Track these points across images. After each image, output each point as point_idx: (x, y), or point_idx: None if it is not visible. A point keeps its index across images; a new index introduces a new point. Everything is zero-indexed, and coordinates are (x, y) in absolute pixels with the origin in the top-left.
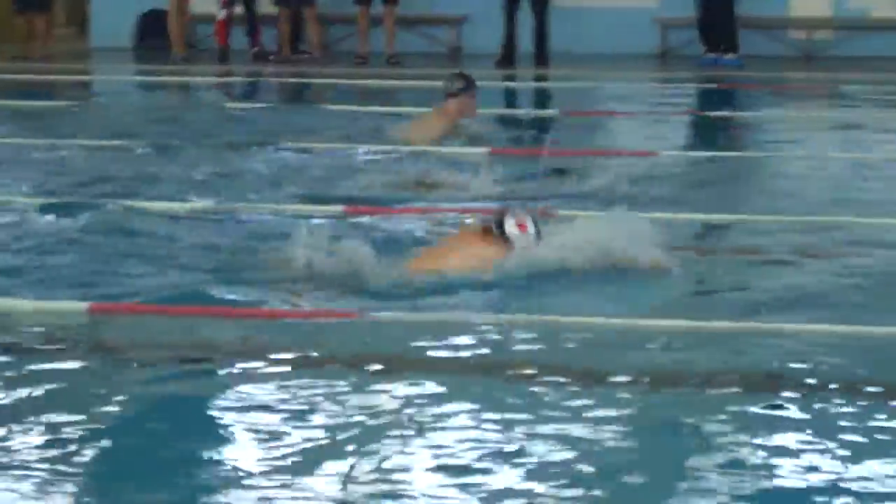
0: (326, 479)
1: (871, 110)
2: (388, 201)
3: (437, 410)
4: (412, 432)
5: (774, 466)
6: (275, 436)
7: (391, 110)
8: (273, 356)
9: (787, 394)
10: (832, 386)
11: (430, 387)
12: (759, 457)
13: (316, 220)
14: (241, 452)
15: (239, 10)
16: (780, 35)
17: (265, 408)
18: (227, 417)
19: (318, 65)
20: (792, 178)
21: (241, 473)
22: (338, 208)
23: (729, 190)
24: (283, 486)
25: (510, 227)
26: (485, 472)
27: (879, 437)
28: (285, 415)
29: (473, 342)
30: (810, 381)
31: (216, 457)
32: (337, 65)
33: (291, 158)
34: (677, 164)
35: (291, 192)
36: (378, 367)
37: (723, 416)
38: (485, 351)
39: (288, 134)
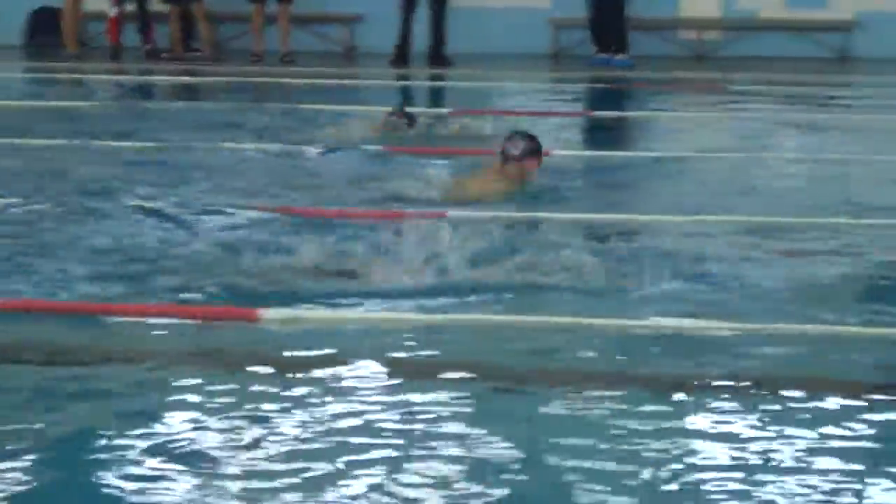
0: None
1: (761, 109)
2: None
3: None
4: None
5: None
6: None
7: (286, 107)
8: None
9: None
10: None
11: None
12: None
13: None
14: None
15: (131, 7)
16: (671, 35)
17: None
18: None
19: (211, 63)
20: (683, 176)
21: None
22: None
23: (620, 189)
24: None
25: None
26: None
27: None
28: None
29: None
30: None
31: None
32: (231, 63)
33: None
34: (569, 163)
35: (195, 189)
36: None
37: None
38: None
39: (180, 132)
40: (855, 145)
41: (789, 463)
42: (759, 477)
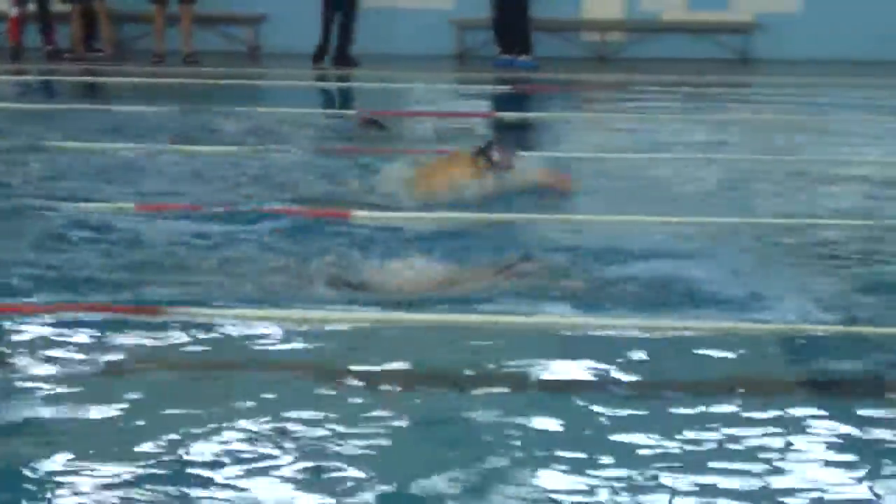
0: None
1: (664, 110)
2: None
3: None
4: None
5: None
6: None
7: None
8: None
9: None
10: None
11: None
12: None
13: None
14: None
15: (32, 7)
16: (574, 37)
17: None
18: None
19: (112, 63)
20: (586, 177)
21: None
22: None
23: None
24: None
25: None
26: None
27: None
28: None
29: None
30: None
31: None
32: (133, 63)
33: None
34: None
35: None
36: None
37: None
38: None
39: (81, 133)
40: (756, 144)
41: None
42: None
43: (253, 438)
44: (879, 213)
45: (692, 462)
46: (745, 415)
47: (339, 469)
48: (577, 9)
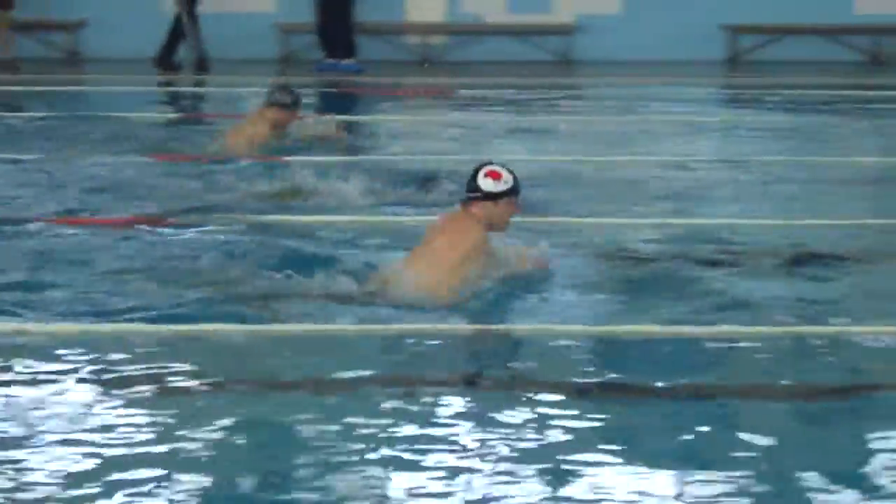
0: None
1: (488, 112)
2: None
3: None
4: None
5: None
6: None
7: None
8: None
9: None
10: None
11: None
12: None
13: None
14: None
15: None
16: (397, 40)
17: None
18: None
19: None
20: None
21: None
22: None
23: (342, 190)
24: None
25: (482, 179)
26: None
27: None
28: None
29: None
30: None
31: None
32: None
33: None
34: (294, 167)
35: None
36: None
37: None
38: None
39: None
40: (579, 146)
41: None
42: None
43: None
44: (689, 213)
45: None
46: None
47: None
48: (400, 12)
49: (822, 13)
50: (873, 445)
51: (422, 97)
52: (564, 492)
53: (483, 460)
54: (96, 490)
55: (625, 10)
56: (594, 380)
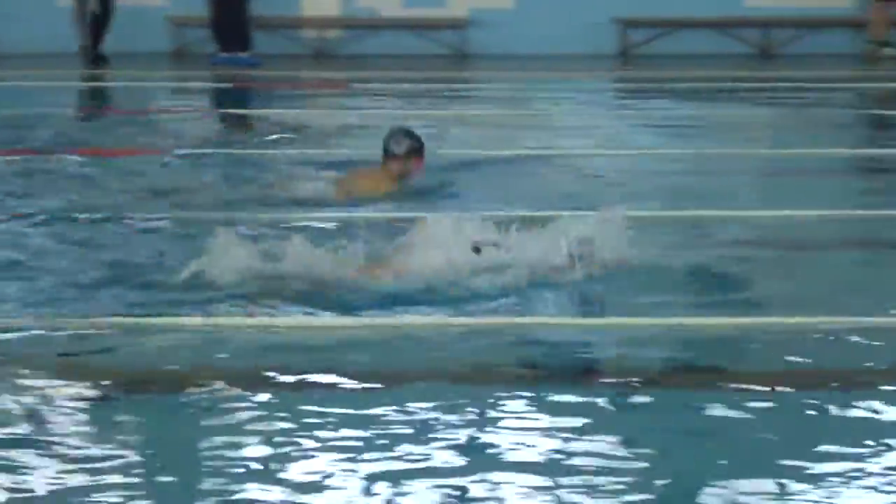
0: None
1: (383, 106)
2: None
3: None
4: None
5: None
6: None
7: None
8: None
9: None
10: None
11: None
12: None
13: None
14: None
15: None
16: (293, 34)
17: None
18: None
19: None
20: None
21: None
22: None
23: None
24: None
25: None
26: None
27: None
28: None
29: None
30: None
31: None
32: None
33: None
34: (190, 162)
35: None
36: None
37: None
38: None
39: None
40: (476, 139)
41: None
42: None
43: None
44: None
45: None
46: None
47: None
48: (296, 6)
49: (712, 6)
50: None
51: (318, 91)
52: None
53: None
54: None
55: (518, 5)
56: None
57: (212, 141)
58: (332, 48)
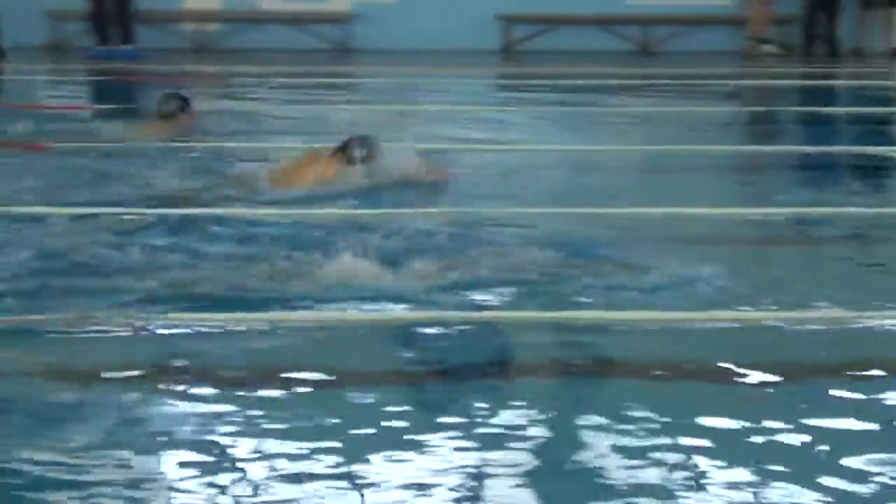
0: None
1: (264, 100)
2: None
3: None
4: None
5: None
6: None
7: None
8: None
9: None
10: None
11: None
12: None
13: None
14: None
15: None
16: (175, 27)
17: None
18: None
19: None
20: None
21: None
22: None
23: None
24: None
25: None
26: None
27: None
28: None
29: None
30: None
31: None
32: None
33: None
34: (71, 156)
35: None
36: None
37: None
38: None
39: None
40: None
41: None
42: None
43: None
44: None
45: None
46: None
47: None
48: None
49: (594, 4)
50: None
51: (197, 85)
52: None
53: None
54: None
55: (401, 0)
56: None
57: (87, 135)
58: (214, 42)
